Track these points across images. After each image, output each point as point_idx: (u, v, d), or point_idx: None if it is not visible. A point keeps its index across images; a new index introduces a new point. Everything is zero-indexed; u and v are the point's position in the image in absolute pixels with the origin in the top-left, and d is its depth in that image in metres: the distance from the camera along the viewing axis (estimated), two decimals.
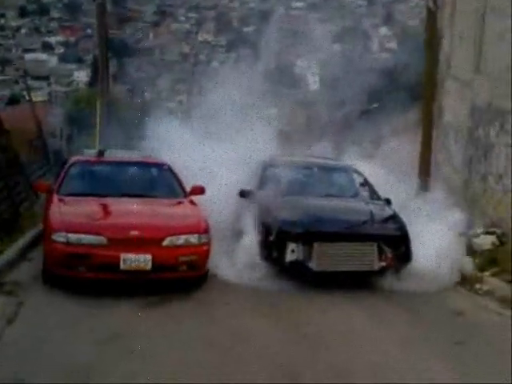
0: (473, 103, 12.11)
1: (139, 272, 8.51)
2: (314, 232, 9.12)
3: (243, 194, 10.62)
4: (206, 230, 8.98)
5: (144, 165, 10.83)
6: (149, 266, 8.49)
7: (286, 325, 7.81)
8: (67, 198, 9.55)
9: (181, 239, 8.72)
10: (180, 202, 9.91)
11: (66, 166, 10.44)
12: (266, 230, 9.40)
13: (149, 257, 8.46)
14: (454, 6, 13.38)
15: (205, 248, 8.89)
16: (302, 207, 9.59)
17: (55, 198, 9.62)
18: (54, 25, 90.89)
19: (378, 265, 9.18)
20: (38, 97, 75.84)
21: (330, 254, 9.08)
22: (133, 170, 10.67)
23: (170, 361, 6.50)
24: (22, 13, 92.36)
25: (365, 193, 10.74)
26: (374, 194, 10.69)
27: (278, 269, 9.21)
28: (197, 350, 6.84)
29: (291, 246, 9.05)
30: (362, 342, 7.31)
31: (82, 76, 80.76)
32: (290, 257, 9.08)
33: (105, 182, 10.15)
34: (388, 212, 9.93)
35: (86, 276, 8.50)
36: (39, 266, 9.41)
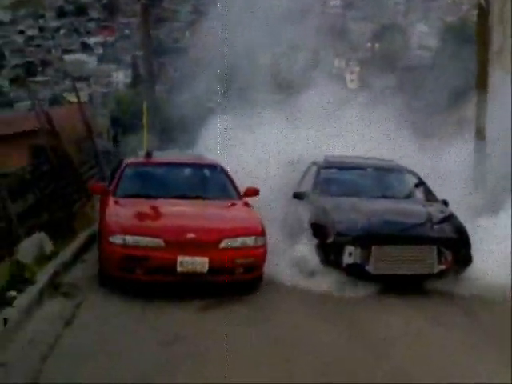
0: None
1: (196, 275, 8.51)
2: (371, 235, 9.03)
3: (298, 195, 10.55)
4: (262, 232, 8.95)
5: (197, 166, 10.84)
6: (205, 269, 8.49)
7: (346, 329, 7.75)
8: (123, 200, 9.58)
9: (237, 241, 8.69)
10: (234, 204, 9.87)
11: (121, 168, 10.48)
12: (322, 232, 9.32)
13: (205, 259, 8.46)
14: (504, 2, 13.21)
15: (261, 250, 8.85)
16: (359, 209, 9.50)
17: (111, 199, 9.65)
18: (92, 25, 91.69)
19: (437, 268, 9.06)
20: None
21: (388, 257, 8.98)
22: (187, 171, 10.73)
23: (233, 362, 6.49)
24: (61, 13, 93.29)
25: (420, 194, 10.60)
26: (429, 195, 10.55)
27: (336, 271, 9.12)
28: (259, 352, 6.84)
29: (349, 248, 8.97)
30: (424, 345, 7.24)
31: (120, 76, 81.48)
32: (347, 260, 9.01)
33: (159, 184, 10.17)
34: (446, 213, 9.78)
35: (143, 278, 8.52)
36: (94, 268, 9.50)
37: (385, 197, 10.28)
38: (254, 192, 10.15)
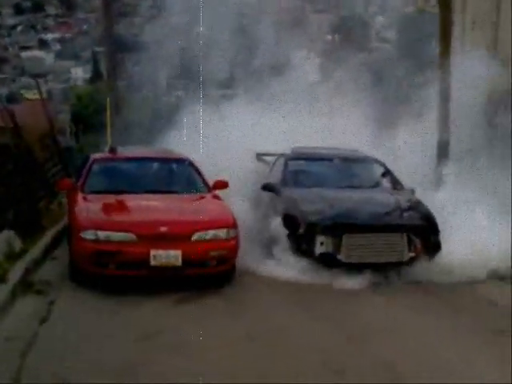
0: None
1: (169, 268, 8.52)
2: (342, 224, 9.13)
3: (266, 187, 10.60)
4: (234, 224, 8.99)
5: (166, 160, 10.83)
6: (179, 262, 8.50)
7: (322, 317, 7.84)
8: (92, 196, 9.55)
9: (209, 234, 8.73)
10: (204, 197, 9.90)
11: (88, 164, 10.43)
12: (293, 223, 9.38)
13: (179, 252, 8.48)
14: None
15: (233, 242, 8.89)
16: (328, 200, 9.59)
17: (79, 195, 9.62)
18: (49, 22, 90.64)
19: (407, 255, 9.18)
20: (36, 94, 75.73)
21: (359, 245, 9.09)
22: (155, 165, 10.71)
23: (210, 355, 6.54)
24: (18, 10, 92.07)
25: (387, 183, 10.73)
26: (396, 184, 10.68)
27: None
28: (235, 345, 6.88)
29: (320, 238, 9.07)
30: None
31: (79, 72, 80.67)
32: (319, 249, 9.09)
33: (128, 179, 10.16)
34: (414, 201, 9.91)
35: (116, 273, 8.52)
36: (65, 264, 9.46)
37: (353, 187, 10.40)
38: (223, 185, 10.17)
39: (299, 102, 14.96)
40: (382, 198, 10.02)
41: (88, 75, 78.72)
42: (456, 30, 13.26)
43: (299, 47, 17.28)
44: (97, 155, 11.12)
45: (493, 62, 12.85)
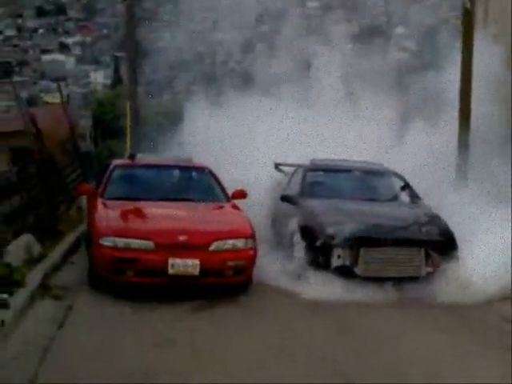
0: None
1: (187, 277, 8.57)
2: (360, 237, 9.12)
3: (285, 198, 10.63)
4: (252, 235, 9.04)
5: (186, 169, 10.89)
6: (196, 271, 8.56)
7: (333, 329, 7.87)
8: (112, 202, 9.61)
9: (228, 244, 8.78)
10: (223, 207, 9.97)
11: (109, 170, 10.51)
12: (311, 235, 9.41)
13: (196, 262, 8.53)
14: (487, 5, 13.40)
15: (251, 253, 8.94)
16: (347, 212, 9.59)
17: (99, 201, 9.69)
18: (70, 25, 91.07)
19: (424, 270, 9.17)
20: (56, 98, 76.13)
21: (376, 259, 9.09)
22: (175, 173, 10.77)
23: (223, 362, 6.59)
24: (40, 13, 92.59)
25: (406, 196, 10.72)
26: (415, 197, 10.67)
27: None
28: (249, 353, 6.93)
29: (337, 251, 9.07)
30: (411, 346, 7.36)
31: (98, 77, 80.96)
32: (336, 262, 9.10)
33: (148, 186, 10.23)
34: (432, 216, 9.89)
35: (134, 280, 8.58)
36: (83, 270, 9.55)
37: (371, 199, 10.37)
38: (241, 194, 10.23)
39: (318, 109, 14.91)
40: (401, 212, 10.02)
41: (108, 80, 79.00)
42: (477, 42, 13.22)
43: (319, 54, 17.08)
44: (118, 161, 11.21)
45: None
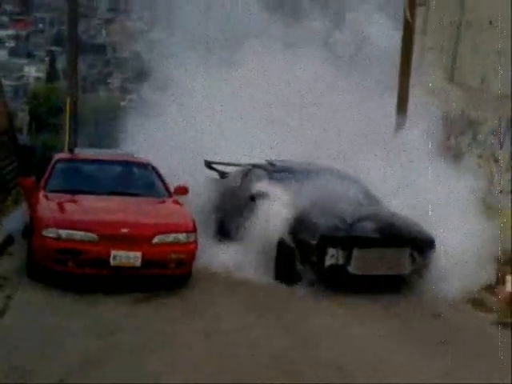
0: (445, 112, 12.49)
1: (129, 268, 8.68)
2: (354, 238, 9.39)
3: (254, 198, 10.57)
4: (194, 229, 9.20)
5: (129, 164, 10.96)
6: (138, 263, 8.67)
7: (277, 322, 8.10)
8: (54, 195, 9.63)
9: (170, 237, 8.92)
10: (165, 201, 10.10)
11: (52, 163, 10.50)
12: (304, 234, 9.57)
13: (139, 254, 8.65)
14: (426, 18, 13.81)
15: (192, 246, 9.10)
16: (339, 213, 9.75)
17: (41, 194, 9.69)
18: (5, 18, 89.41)
19: (408, 268, 9.57)
20: None
21: (368, 258, 9.41)
22: (118, 168, 10.83)
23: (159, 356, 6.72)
24: None
25: (374, 200, 10.82)
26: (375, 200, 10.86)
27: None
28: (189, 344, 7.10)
29: (331, 251, 9.30)
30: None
31: (32, 71, 79.66)
32: (329, 261, 9.32)
33: (90, 180, 10.26)
34: (403, 217, 10.12)
35: (76, 271, 8.64)
36: (22, 261, 9.54)
37: (355, 202, 10.44)
38: (183, 190, 10.40)
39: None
40: (384, 213, 10.24)
41: (41, 74, 77.79)
42: (415, 52, 13.59)
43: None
44: (60, 155, 11.22)
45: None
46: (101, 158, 11.11)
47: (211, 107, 14.80)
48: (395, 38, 13.65)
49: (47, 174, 10.23)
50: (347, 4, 17.88)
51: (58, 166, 10.45)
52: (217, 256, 10.05)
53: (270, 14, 17.22)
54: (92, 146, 17.49)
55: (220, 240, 10.85)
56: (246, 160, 12.24)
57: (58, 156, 11.10)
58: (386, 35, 15.05)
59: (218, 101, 14.92)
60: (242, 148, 12.68)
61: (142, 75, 19.97)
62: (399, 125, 12.77)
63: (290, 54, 15.72)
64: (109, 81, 74.45)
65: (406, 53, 12.95)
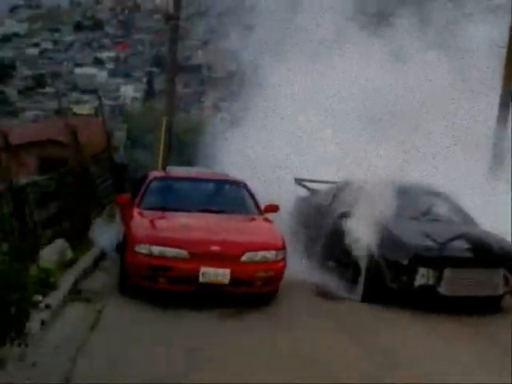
0: None
1: (216, 285, 8.76)
2: (446, 257, 9.21)
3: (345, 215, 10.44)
4: (283, 247, 9.21)
5: (221, 182, 11.12)
6: (226, 280, 8.75)
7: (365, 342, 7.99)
8: (148, 212, 9.85)
9: (258, 255, 8.96)
10: (255, 219, 10.16)
11: (147, 181, 10.74)
12: (394, 254, 9.45)
13: (227, 271, 8.72)
14: None
15: (281, 264, 9.11)
16: (429, 232, 9.59)
17: (136, 211, 9.92)
18: (106, 40, 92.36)
19: (502, 289, 9.38)
20: (85, 110, 77.18)
21: (460, 279, 9.22)
22: (210, 186, 11.03)
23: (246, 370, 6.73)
24: (77, 28, 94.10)
25: (465, 217, 10.62)
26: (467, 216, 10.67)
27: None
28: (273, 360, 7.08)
29: (422, 270, 9.17)
30: None
31: (129, 91, 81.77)
32: (419, 281, 9.20)
33: (183, 198, 10.45)
34: (498, 236, 9.88)
35: (166, 287, 8.78)
36: (113, 276, 9.79)
37: (439, 220, 10.32)
38: (274, 208, 10.47)
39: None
40: (476, 232, 9.93)
41: (138, 94, 79.85)
42: None
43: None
44: (155, 173, 11.56)
45: None
46: (194, 176, 11.30)
47: (304, 122, 14.72)
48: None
49: (142, 191, 10.45)
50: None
51: (153, 184, 10.67)
52: (303, 274, 10.00)
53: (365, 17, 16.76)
54: (184, 164, 17.75)
55: (308, 258, 10.79)
56: (341, 177, 11.88)
57: (152, 174, 11.39)
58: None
59: (311, 116, 14.82)
60: (337, 165, 12.38)
61: (234, 94, 20.14)
62: None
63: (392, 60, 15.08)
64: (202, 99, 75.66)
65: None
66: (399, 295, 9.29)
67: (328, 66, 15.37)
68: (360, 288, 9.62)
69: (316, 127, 14.24)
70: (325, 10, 16.43)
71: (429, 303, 9.20)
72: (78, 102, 78.43)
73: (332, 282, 10.00)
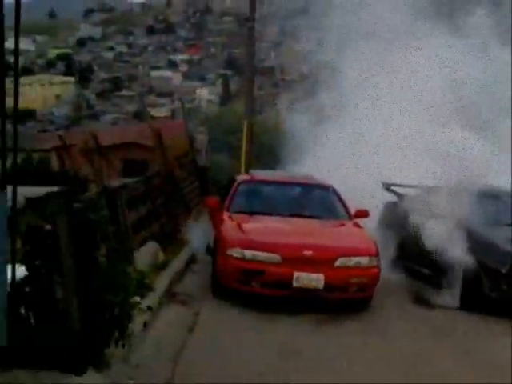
0: None
1: (310, 290, 8.76)
2: None
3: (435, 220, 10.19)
4: (377, 253, 9.16)
5: (310, 186, 11.12)
6: (320, 285, 8.73)
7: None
8: (238, 216, 9.95)
9: (352, 261, 8.92)
10: (346, 224, 10.13)
11: (235, 185, 10.85)
12: (494, 261, 9.32)
13: (321, 276, 8.71)
14: None
15: (375, 270, 9.06)
16: None
17: (225, 214, 10.03)
18: (179, 43, 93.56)
19: None
20: (162, 112, 78.43)
21: None
22: (299, 190, 11.02)
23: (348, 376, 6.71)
24: (150, 31, 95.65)
25: None
26: None
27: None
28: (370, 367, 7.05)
29: None
30: None
31: (204, 94, 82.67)
32: None
33: (272, 202, 10.50)
34: None
35: (259, 291, 8.83)
36: (205, 279, 9.88)
37: None
38: (364, 213, 10.41)
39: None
40: None
41: (212, 96, 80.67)
42: None
43: None
44: (243, 177, 11.60)
45: None
46: (282, 180, 11.34)
47: (386, 125, 14.37)
48: None
49: (231, 195, 10.56)
50: None
51: (242, 187, 10.77)
52: (395, 280, 9.92)
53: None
54: (265, 166, 17.78)
55: (399, 264, 10.69)
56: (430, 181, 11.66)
57: (241, 178, 11.49)
58: None
59: (393, 117, 14.45)
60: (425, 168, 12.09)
61: (308, 96, 20.05)
62: None
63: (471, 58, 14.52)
64: (275, 102, 75.92)
65: None
66: (498, 303, 9.12)
67: (404, 61, 15.11)
68: (457, 295, 9.47)
69: (403, 127, 13.95)
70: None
71: None
72: (154, 105, 79.88)
73: (425, 289, 9.89)
